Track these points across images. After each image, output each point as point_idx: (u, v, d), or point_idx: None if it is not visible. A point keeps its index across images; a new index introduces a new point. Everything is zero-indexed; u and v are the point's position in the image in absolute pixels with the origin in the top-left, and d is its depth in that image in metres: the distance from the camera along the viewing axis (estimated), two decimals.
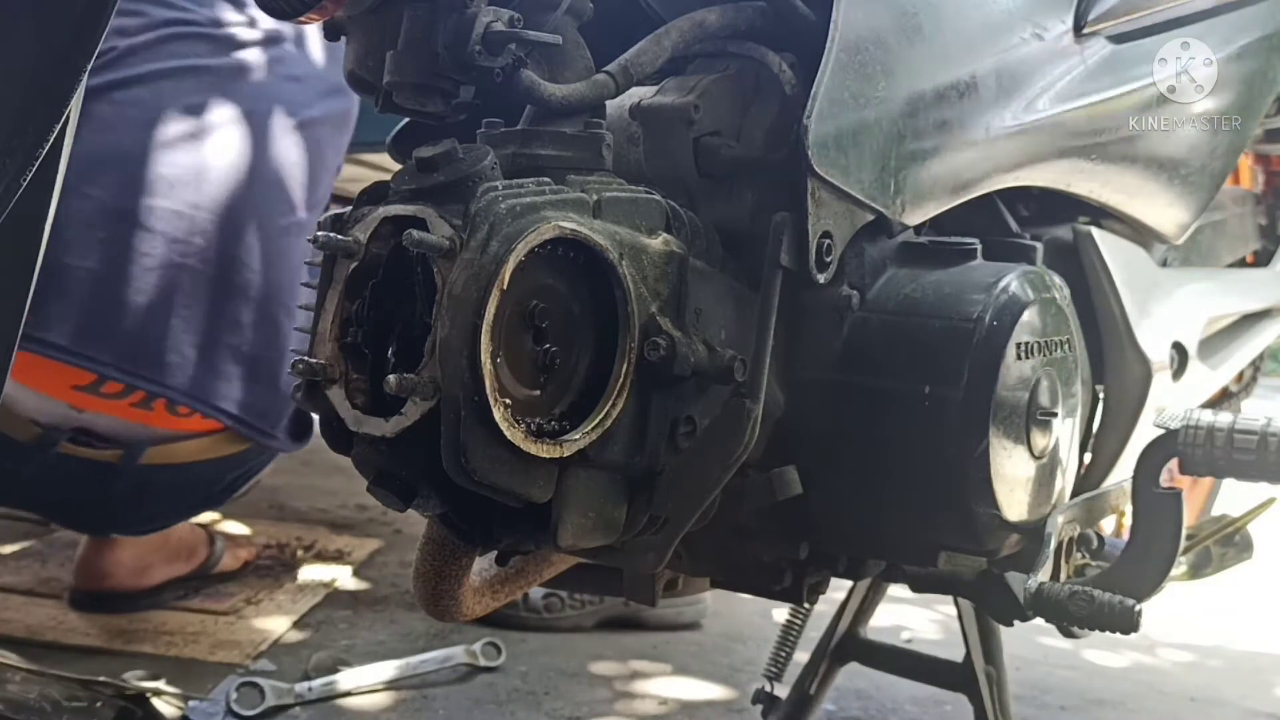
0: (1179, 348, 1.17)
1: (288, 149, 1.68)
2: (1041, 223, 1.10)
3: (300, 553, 2.23)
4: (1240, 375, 1.70)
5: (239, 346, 1.62)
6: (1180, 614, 2.22)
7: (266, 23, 1.73)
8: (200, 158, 1.59)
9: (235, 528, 2.32)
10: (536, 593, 1.90)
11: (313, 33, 1.79)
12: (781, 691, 1.40)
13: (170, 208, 1.56)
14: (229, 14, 1.70)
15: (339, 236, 0.66)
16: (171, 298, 1.56)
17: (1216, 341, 1.37)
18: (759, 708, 1.41)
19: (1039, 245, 0.97)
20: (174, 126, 1.59)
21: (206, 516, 2.25)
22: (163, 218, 1.55)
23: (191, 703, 1.49)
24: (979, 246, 0.90)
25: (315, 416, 1.74)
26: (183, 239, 1.56)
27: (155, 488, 1.70)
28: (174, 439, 1.65)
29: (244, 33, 1.70)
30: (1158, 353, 1.11)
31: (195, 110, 1.61)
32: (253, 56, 1.70)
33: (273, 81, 1.70)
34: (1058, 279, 0.93)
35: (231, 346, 1.61)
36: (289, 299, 1.67)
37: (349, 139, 1.87)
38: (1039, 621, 0.88)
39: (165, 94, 1.59)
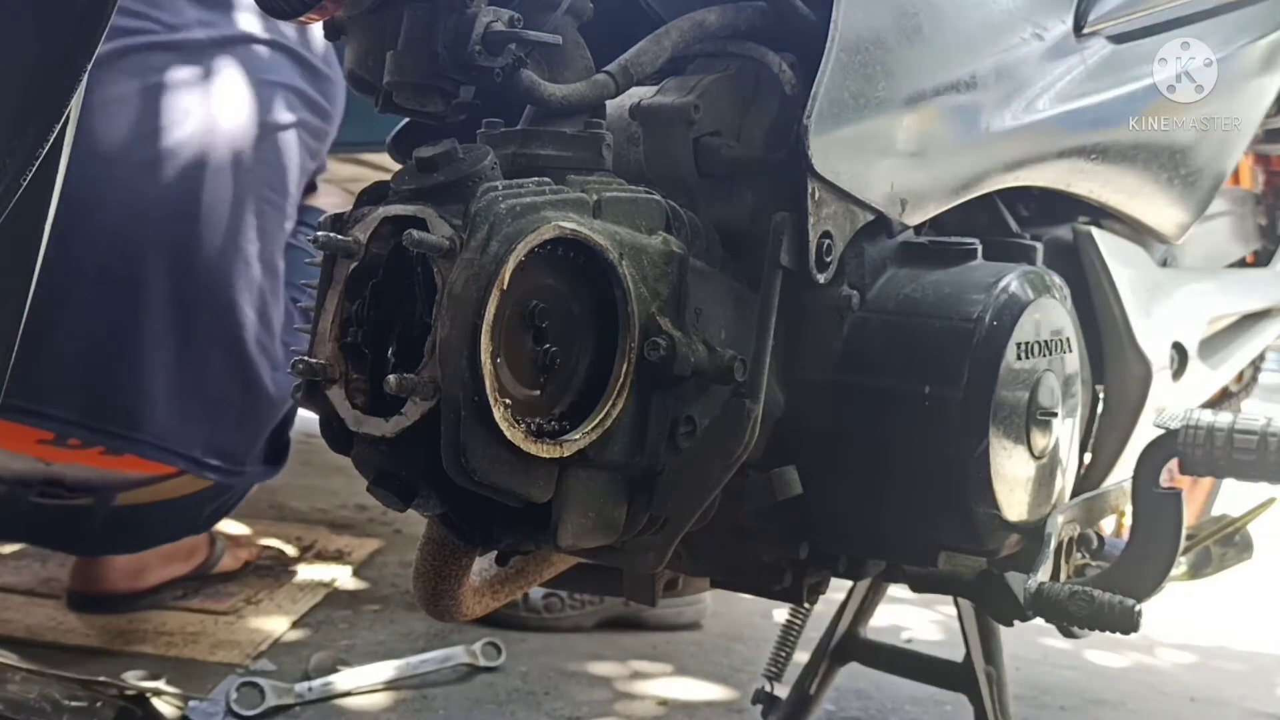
0: (1179, 348, 1.17)
1: (252, 167, 1.58)
2: (1041, 223, 1.10)
3: (300, 553, 2.23)
4: (1240, 375, 1.70)
5: (205, 388, 1.55)
6: (1180, 614, 2.22)
7: (238, 23, 1.62)
8: (154, 192, 1.48)
9: (235, 528, 2.32)
10: (536, 593, 1.90)
11: (292, 36, 1.68)
12: (781, 691, 1.40)
13: (125, 249, 1.47)
14: (191, 12, 1.59)
15: (339, 236, 0.66)
16: (132, 344, 1.49)
17: (1216, 341, 1.37)
18: (759, 708, 1.41)
19: (1039, 245, 0.97)
20: (127, 160, 1.47)
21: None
22: (117, 260, 1.46)
23: (191, 703, 1.49)
24: (979, 246, 0.90)
25: (290, 440, 1.74)
26: (139, 281, 1.48)
27: (133, 525, 1.67)
28: (146, 482, 1.61)
29: (204, 33, 1.58)
30: (1158, 353, 1.11)
31: (146, 139, 1.49)
32: (216, 61, 1.58)
33: (238, 88, 1.59)
34: (1058, 279, 0.93)
35: (197, 389, 1.54)
36: (261, 332, 1.59)
37: (323, 155, 1.77)
38: (1039, 621, 0.88)
39: (114, 122, 1.48)
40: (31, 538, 1.75)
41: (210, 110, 1.55)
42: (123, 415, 1.48)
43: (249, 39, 1.63)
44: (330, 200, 1.95)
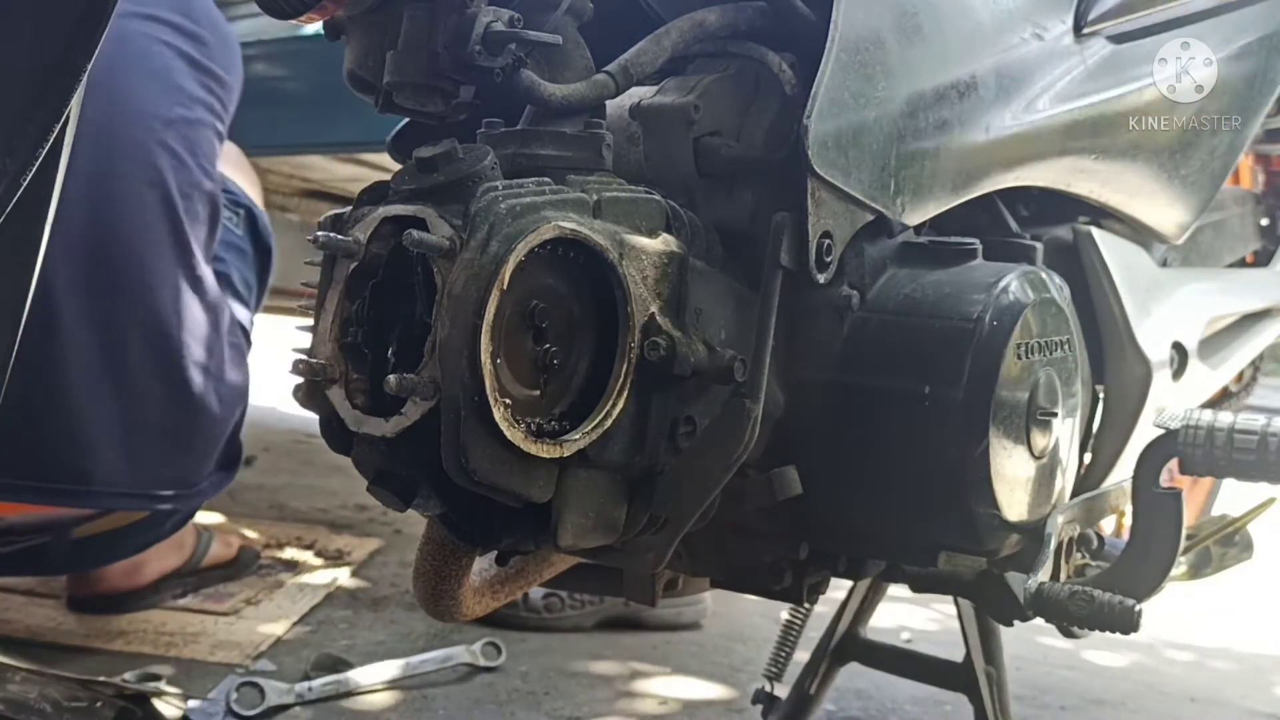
0: (1179, 348, 1.17)
1: (158, 158, 1.46)
2: (1041, 223, 1.10)
3: (300, 553, 2.23)
4: (1240, 375, 1.70)
5: (149, 423, 1.50)
6: (1180, 614, 2.22)
7: None
8: (65, 220, 1.39)
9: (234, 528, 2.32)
10: (536, 593, 1.90)
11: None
12: (781, 691, 1.40)
13: (56, 294, 1.38)
14: None
15: (339, 236, 0.66)
16: (66, 397, 1.43)
17: (1216, 341, 1.37)
18: (759, 708, 1.41)
19: (1039, 245, 0.97)
20: None
21: (209, 518, 2.25)
22: (34, 306, 1.39)
23: (191, 703, 1.49)
24: (979, 246, 0.90)
25: (242, 441, 1.70)
26: (60, 328, 1.41)
27: (94, 551, 1.65)
28: (101, 514, 1.59)
29: None
30: (1158, 353, 1.11)
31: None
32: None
33: (121, 80, 1.45)
34: (1058, 279, 0.93)
35: (141, 427, 1.49)
36: (196, 349, 1.52)
37: (229, 114, 1.63)
38: (1039, 621, 0.88)
39: None
40: (8, 571, 1.73)
41: (101, 117, 1.41)
42: (71, 472, 1.44)
43: (121, 15, 1.51)
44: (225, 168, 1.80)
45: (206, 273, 1.56)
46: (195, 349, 1.52)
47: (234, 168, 1.84)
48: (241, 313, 1.70)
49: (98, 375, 1.44)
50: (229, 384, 1.60)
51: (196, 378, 1.52)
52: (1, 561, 1.60)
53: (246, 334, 1.69)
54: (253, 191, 1.86)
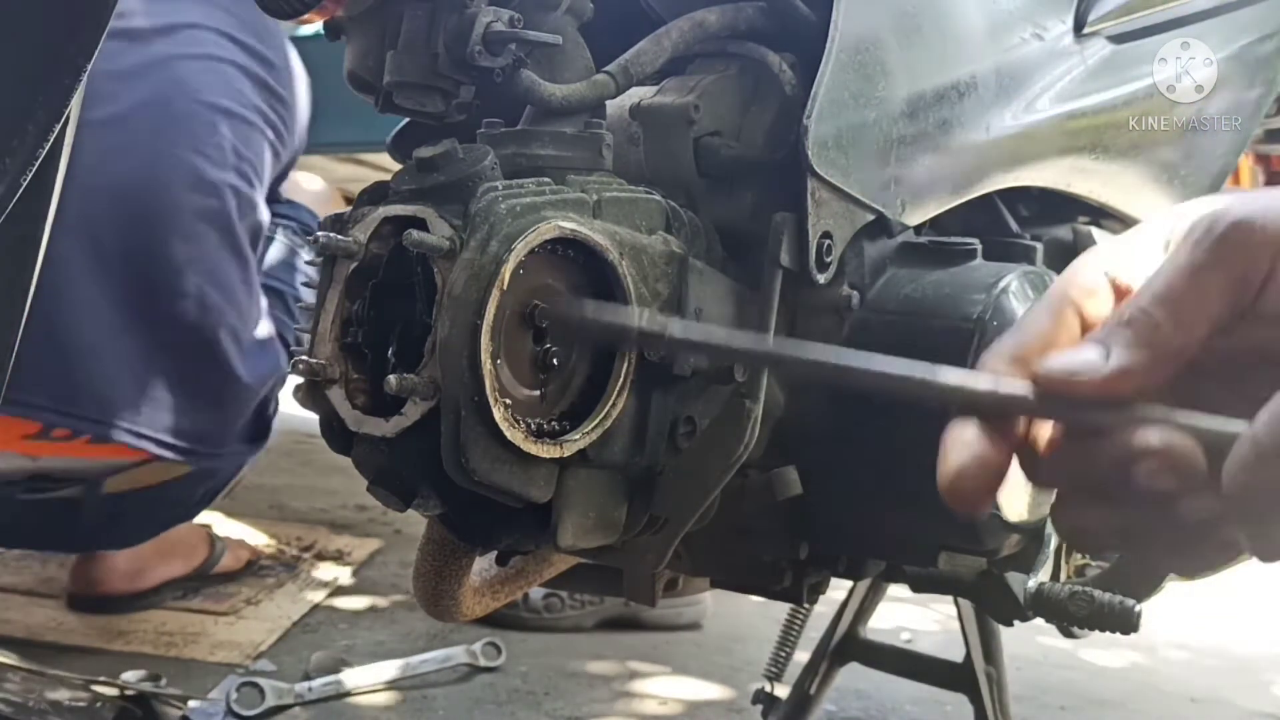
0: None
1: (212, 151, 1.56)
2: (1041, 223, 1.10)
3: (300, 553, 2.23)
4: None
5: (174, 373, 1.56)
6: (1180, 614, 2.22)
7: (182, 12, 1.61)
8: (106, 178, 1.47)
9: (236, 528, 2.32)
10: (536, 593, 1.90)
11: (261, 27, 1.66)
12: (781, 691, 1.40)
13: (82, 235, 1.47)
14: (134, 2, 1.57)
15: (339, 236, 0.66)
16: (102, 331, 1.50)
17: None
18: (759, 708, 1.41)
19: (1039, 245, 0.97)
20: (79, 148, 1.47)
21: (209, 518, 2.25)
22: (75, 247, 1.46)
23: (191, 703, 1.49)
24: (979, 246, 0.90)
25: (274, 416, 1.74)
26: (98, 268, 1.49)
27: (125, 513, 1.67)
28: (133, 466, 1.61)
29: (148, 21, 1.57)
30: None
31: (97, 126, 1.46)
32: (163, 46, 1.57)
33: (186, 69, 1.57)
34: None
35: (165, 374, 1.55)
36: (231, 317, 1.59)
37: (290, 144, 1.75)
38: (1039, 621, 0.88)
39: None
40: (22, 538, 1.74)
41: (163, 93, 1.54)
42: (93, 401, 1.49)
43: (194, 25, 1.62)
44: (306, 187, 1.96)
45: (250, 254, 1.63)
46: (227, 311, 1.58)
47: (319, 203, 1.92)
48: (286, 326, 1.75)
49: (128, 316, 1.51)
50: (262, 355, 1.65)
51: (226, 337, 1.58)
52: (33, 518, 1.62)
53: (287, 345, 1.74)
54: None
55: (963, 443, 0.44)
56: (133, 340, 1.52)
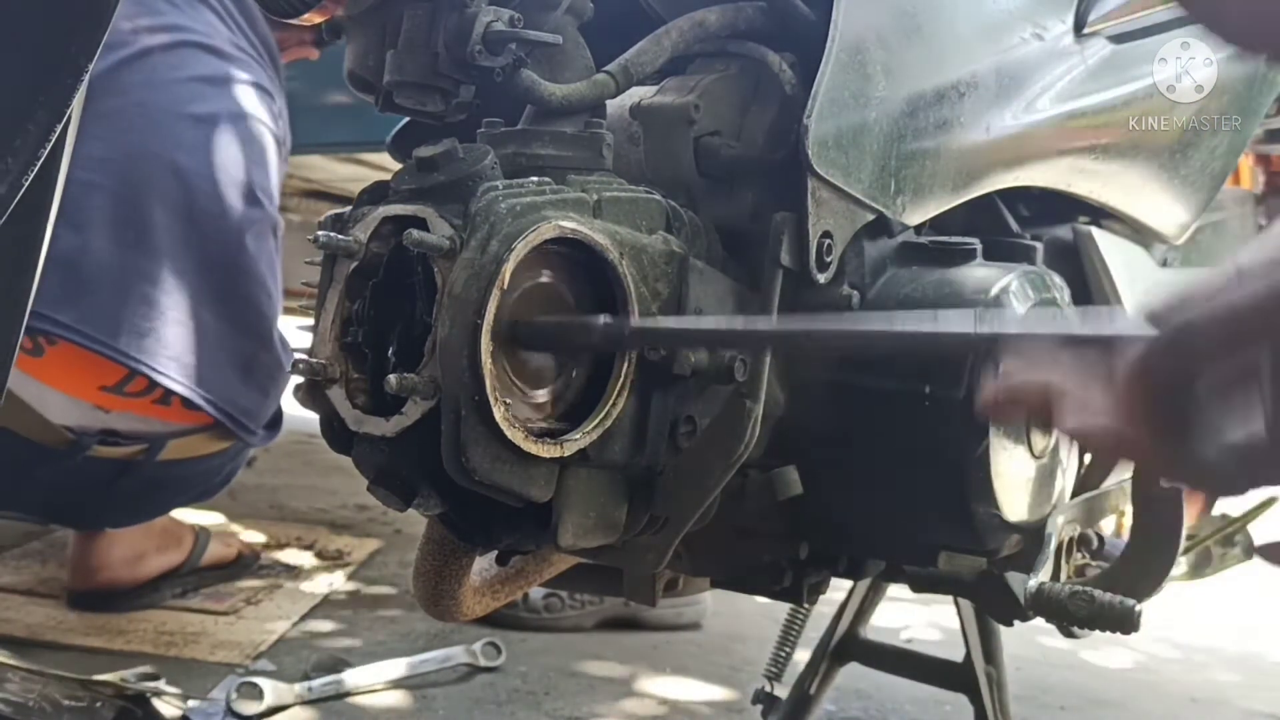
0: None
1: (251, 165, 1.70)
2: (1041, 223, 1.10)
3: (300, 553, 2.23)
4: None
5: (240, 350, 1.67)
6: (1180, 614, 2.22)
7: (234, 37, 1.76)
8: (189, 159, 1.62)
9: (236, 528, 2.32)
10: (536, 593, 1.90)
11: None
12: (781, 691, 1.40)
13: (177, 208, 1.60)
14: (216, 26, 1.74)
15: (339, 236, 0.66)
16: (187, 299, 1.61)
17: None
18: (759, 708, 1.41)
19: (1039, 245, 0.97)
20: (176, 128, 1.63)
21: (209, 518, 2.25)
22: (167, 225, 1.59)
23: (191, 703, 1.49)
24: (979, 246, 0.90)
25: (283, 409, 1.79)
26: (194, 246, 1.61)
27: (164, 483, 1.75)
28: (185, 433, 1.70)
29: (223, 42, 1.73)
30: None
31: (184, 119, 1.64)
32: (235, 65, 1.72)
33: (248, 89, 1.72)
34: (1058, 279, 0.93)
35: (234, 350, 1.66)
36: (280, 306, 1.73)
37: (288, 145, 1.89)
38: (1039, 621, 0.88)
39: (178, 97, 1.65)
40: (64, 501, 1.77)
41: (238, 105, 1.69)
42: (143, 346, 1.58)
43: (243, 48, 1.78)
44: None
45: (275, 261, 1.76)
46: (280, 302, 1.73)
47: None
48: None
49: (210, 288, 1.63)
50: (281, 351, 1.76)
51: (278, 323, 1.72)
52: (89, 475, 1.68)
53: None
54: None
55: None
56: (210, 313, 1.63)
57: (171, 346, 1.60)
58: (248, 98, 1.72)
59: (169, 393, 1.61)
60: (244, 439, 1.73)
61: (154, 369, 1.57)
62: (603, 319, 0.47)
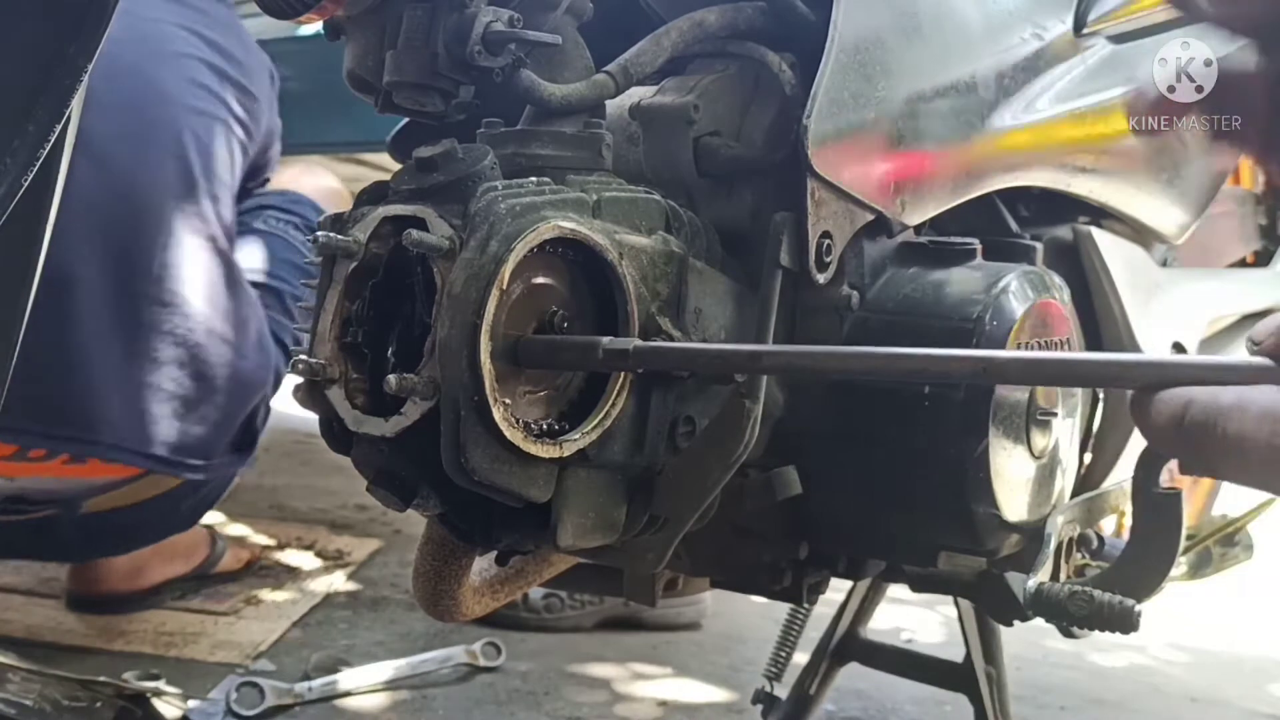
0: (1179, 348, 1.17)
1: (183, 151, 1.53)
2: (1041, 223, 1.10)
3: (300, 553, 2.23)
4: None
5: (157, 384, 1.52)
6: (1180, 614, 2.22)
7: (137, 10, 1.58)
8: (90, 184, 1.41)
9: (237, 529, 2.32)
10: (536, 593, 1.90)
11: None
12: (781, 691, 1.40)
13: (59, 244, 1.45)
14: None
15: (339, 236, 0.66)
16: (78, 346, 1.45)
17: (1217, 342, 1.37)
18: (759, 708, 1.41)
19: (1039, 245, 0.97)
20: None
21: (208, 518, 2.25)
22: (53, 258, 1.45)
23: (191, 703, 1.49)
24: (979, 246, 0.90)
25: (264, 425, 1.72)
26: (77, 278, 1.44)
27: (106, 532, 1.65)
28: (112, 486, 1.58)
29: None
30: (1158, 353, 1.11)
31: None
32: (128, 46, 1.51)
33: (154, 69, 1.55)
34: (1058, 279, 0.93)
35: (149, 385, 1.51)
36: (213, 319, 1.56)
37: (258, 136, 1.72)
38: (1039, 621, 0.88)
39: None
40: (6, 554, 1.73)
41: (133, 97, 1.52)
42: (79, 420, 1.45)
43: (158, 20, 1.60)
44: (313, 182, 1.94)
45: (230, 254, 1.60)
46: (214, 321, 1.55)
47: (327, 198, 1.90)
48: (283, 326, 1.73)
49: (108, 327, 1.46)
50: (248, 365, 1.61)
51: (211, 347, 1.55)
52: (10, 537, 1.60)
53: (285, 348, 1.70)
54: None
55: None
56: (113, 353, 1.48)
57: (68, 404, 1.44)
58: (164, 77, 1.54)
59: (78, 455, 1.48)
60: (188, 477, 1.59)
61: (48, 435, 1.43)
62: (606, 341, 0.47)
